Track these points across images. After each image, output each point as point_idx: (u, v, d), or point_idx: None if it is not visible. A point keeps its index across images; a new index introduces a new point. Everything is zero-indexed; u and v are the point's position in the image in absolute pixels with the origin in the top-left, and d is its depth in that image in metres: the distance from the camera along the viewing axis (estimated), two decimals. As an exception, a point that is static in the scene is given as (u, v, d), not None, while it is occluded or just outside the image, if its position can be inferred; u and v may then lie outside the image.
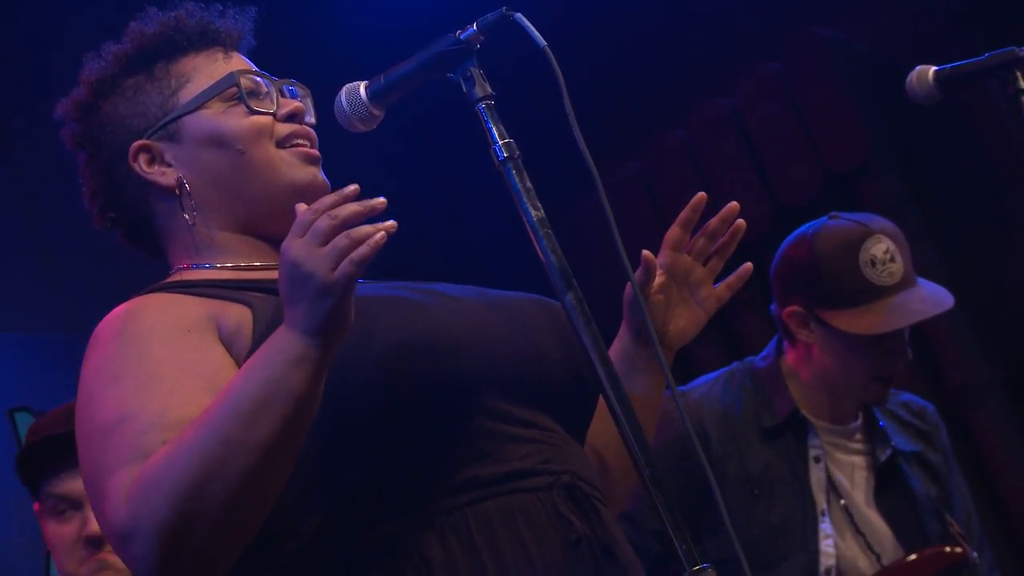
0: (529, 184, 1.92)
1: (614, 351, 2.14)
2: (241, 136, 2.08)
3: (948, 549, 3.35)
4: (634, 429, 1.84)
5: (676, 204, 3.60)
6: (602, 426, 2.03)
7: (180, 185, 2.08)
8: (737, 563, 1.92)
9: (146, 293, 2.02)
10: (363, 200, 1.76)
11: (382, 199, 1.76)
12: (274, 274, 2.05)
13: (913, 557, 3.33)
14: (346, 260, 1.72)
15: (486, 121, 1.95)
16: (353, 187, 1.77)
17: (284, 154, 2.10)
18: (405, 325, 1.89)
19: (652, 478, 1.83)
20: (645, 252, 2.12)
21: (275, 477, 1.78)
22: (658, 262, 2.15)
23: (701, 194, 2.19)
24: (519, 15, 1.95)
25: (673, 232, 2.18)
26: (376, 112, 2.06)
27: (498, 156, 1.93)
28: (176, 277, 2.09)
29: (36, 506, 2.99)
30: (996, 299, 4.84)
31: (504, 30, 1.96)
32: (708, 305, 2.19)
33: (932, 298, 3.41)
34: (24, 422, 4.27)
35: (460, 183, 5.56)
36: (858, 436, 3.44)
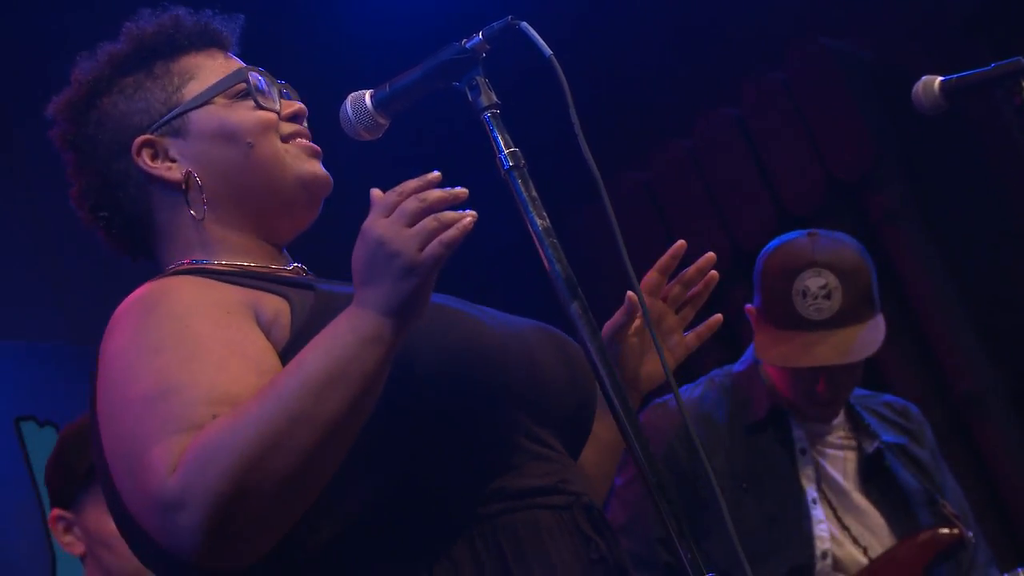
0: (535, 193, 1.92)
1: None
2: (250, 130, 2.09)
3: (944, 531, 3.36)
4: (638, 437, 1.84)
5: (681, 213, 3.64)
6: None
7: (189, 179, 2.08)
8: (736, 563, 1.92)
9: (170, 275, 1.99)
10: (445, 188, 1.77)
11: (464, 189, 1.77)
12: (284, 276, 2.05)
13: (910, 541, 3.34)
14: (435, 241, 1.73)
15: (492, 130, 1.95)
16: (436, 174, 1.78)
17: (289, 147, 2.11)
18: (465, 333, 1.89)
19: (658, 486, 1.83)
20: (629, 294, 2.12)
21: (334, 457, 1.76)
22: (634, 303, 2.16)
23: (681, 242, 2.22)
24: (525, 24, 1.96)
25: (651, 277, 2.21)
26: (382, 121, 2.06)
27: (504, 165, 1.93)
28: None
29: (56, 512, 2.97)
30: (1001, 307, 4.84)
31: (510, 39, 1.96)
32: (677, 352, 2.23)
33: (846, 346, 3.34)
34: (30, 431, 4.26)
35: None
36: (841, 431, 3.45)
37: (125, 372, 1.83)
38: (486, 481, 1.87)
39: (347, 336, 1.74)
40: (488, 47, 1.97)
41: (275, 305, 1.92)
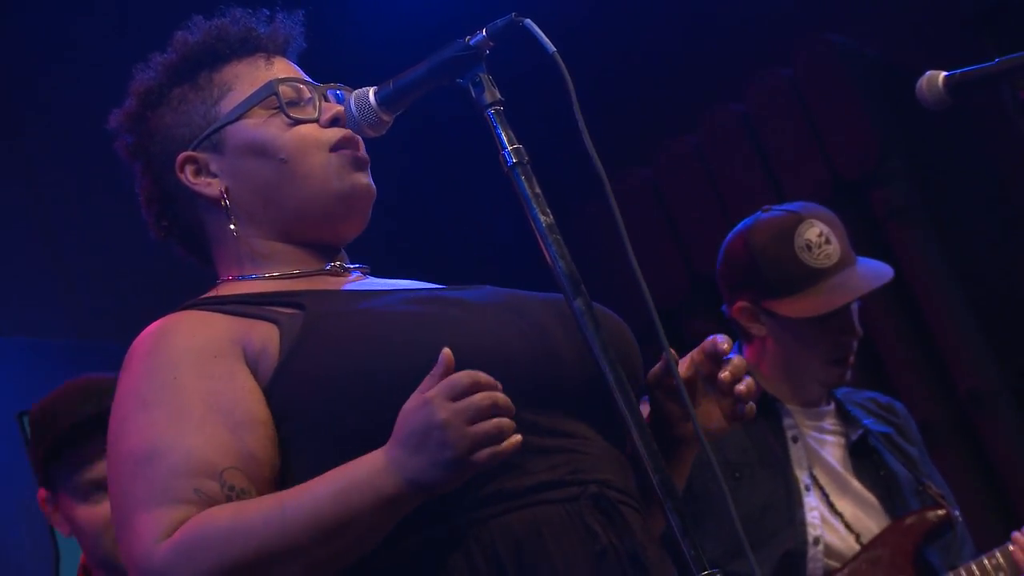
0: (538, 190, 1.92)
1: None
2: (283, 146, 2.08)
3: (931, 512, 3.36)
4: (643, 434, 1.84)
5: (687, 210, 3.64)
6: None
7: (225, 195, 2.09)
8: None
9: (182, 309, 2.03)
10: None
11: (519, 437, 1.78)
12: (319, 280, 2.08)
13: (898, 523, 3.35)
14: (490, 451, 1.76)
15: (495, 127, 1.95)
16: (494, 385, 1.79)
17: (334, 158, 2.09)
18: (430, 343, 1.87)
19: (662, 483, 1.83)
20: (671, 351, 1.98)
21: None
22: (689, 356, 2.04)
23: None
24: (529, 21, 1.95)
25: (714, 345, 2.01)
26: (385, 118, 2.06)
27: (507, 162, 1.93)
28: (215, 291, 2.10)
29: (43, 493, 2.97)
30: (1006, 305, 4.84)
31: (514, 36, 1.96)
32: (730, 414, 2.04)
33: (871, 273, 3.45)
34: (32, 426, 4.26)
35: (469, 189, 5.57)
36: (831, 419, 3.47)
37: (122, 423, 1.93)
38: (477, 488, 1.85)
39: (364, 489, 1.79)
40: (492, 44, 1.97)
41: (264, 333, 1.95)
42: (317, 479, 1.81)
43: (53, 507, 2.98)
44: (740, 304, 3.44)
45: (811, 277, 3.37)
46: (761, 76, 5.12)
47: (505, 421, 1.76)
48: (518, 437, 1.77)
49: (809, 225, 3.41)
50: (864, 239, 4.95)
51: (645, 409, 1.99)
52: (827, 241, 3.40)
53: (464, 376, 1.77)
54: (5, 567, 4.11)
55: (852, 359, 3.43)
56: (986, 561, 3.30)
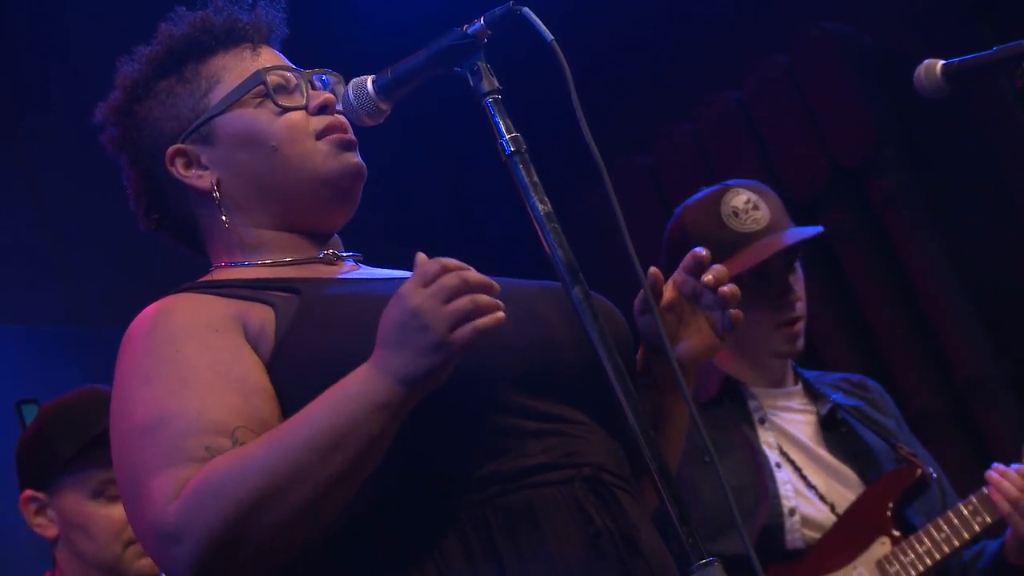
0: (536, 178, 1.92)
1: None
2: (273, 134, 2.09)
3: (902, 472, 3.37)
4: (641, 422, 1.84)
5: (683, 197, 3.63)
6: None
7: (216, 187, 2.09)
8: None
9: (176, 292, 2.03)
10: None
11: (497, 285, 1.78)
12: (312, 268, 2.08)
13: (871, 488, 3.36)
14: (471, 325, 1.75)
15: (493, 115, 1.95)
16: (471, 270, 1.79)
17: (321, 144, 2.10)
18: None
19: (660, 470, 1.83)
20: (652, 269, 2.04)
21: (332, 509, 1.81)
22: (671, 279, 2.06)
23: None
24: (526, 9, 1.95)
25: (693, 256, 2.03)
26: (383, 106, 2.06)
27: (505, 150, 1.93)
28: (209, 276, 2.11)
29: (29, 493, 2.96)
30: (1004, 293, 4.84)
31: (511, 24, 1.96)
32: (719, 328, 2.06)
33: (800, 232, 3.44)
34: (31, 414, 4.26)
35: (467, 177, 5.56)
36: (799, 399, 3.48)
37: (124, 403, 1.91)
38: (472, 470, 1.86)
39: (358, 398, 1.78)
40: (489, 32, 1.98)
41: (261, 315, 1.95)
42: (313, 401, 1.80)
43: (39, 507, 2.97)
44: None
45: (741, 241, 3.38)
46: (758, 64, 5.11)
47: (481, 297, 1.76)
48: (500, 313, 1.76)
49: (735, 194, 3.44)
50: (861, 227, 4.97)
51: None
52: (755, 207, 3.42)
53: (431, 263, 1.77)
54: (4, 552, 4.11)
55: (800, 326, 3.43)
56: (963, 508, 3.29)
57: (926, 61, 2.54)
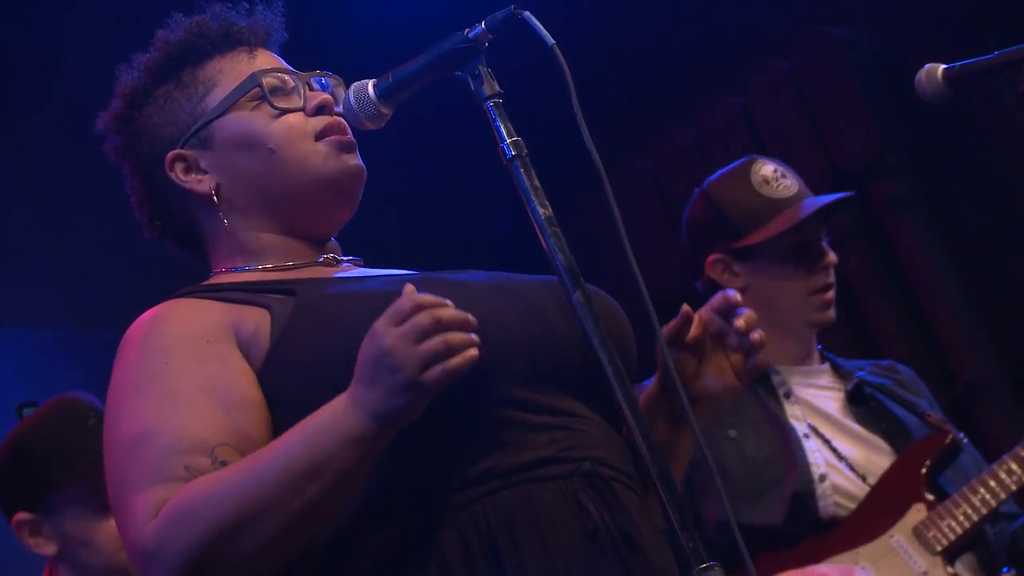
0: (537, 182, 1.92)
1: (644, 398, 2.10)
2: (271, 136, 2.09)
3: (933, 439, 3.37)
4: (641, 427, 1.84)
5: (685, 202, 3.63)
6: None
7: (215, 191, 2.10)
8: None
9: (176, 297, 2.04)
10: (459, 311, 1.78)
11: (474, 319, 1.78)
12: (311, 271, 2.09)
13: (902, 456, 3.35)
14: (440, 367, 1.75)
15: (494, 119, 1.95)
16: (449, 304, 1.78)
17: (320, 146, 2.10)
18: None
19: (660, 475, 1.83)
20: (684, 306, 2.06)
21: (306, 536, 1.83)
22: (698, 314, 2.07)
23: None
24: (527, 13, 1.96)
25: (725, 298, 2.05)
26: (384, 110, 2.06)
27: (506, 154, 1.93)
28: (210, 280, 2.11)
29: (23, 516, 2.94)
30: (1005, 298, 4.84)
31: (513, 28, 1.96)
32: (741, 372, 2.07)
33: (833, 196, 3.48)
34: (32, 418, 4.26)
35: (468, 181, 5.57)
36: (827, 377, 3.47)
37: (116, 411, 1.93)
38: (471, 465, 1.86)
39: (334, 430, 1.79)
40: (491, 36, 1.98)
41: (256, 318, 1.96)
42: (289, 430, 1.82)
43: (34, 528, 2.95)
44: (712, 258, 3.46)
45: (774, 206, 3.41)
46: (760, 69, 5.12)
47: (453, 336, 1.75)
48: (473, 352, 1.76)
49: (762, 164, 3.47)
50: (863, 231, 4.97)
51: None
52: (783, 175, 3.46)
53: (405, 300, 1.77)
54: (2, 558, 4.11)
55: (832, 294, 3.44)
56: (998, 470, 3.29)
57: (927, 65, 2.54)
